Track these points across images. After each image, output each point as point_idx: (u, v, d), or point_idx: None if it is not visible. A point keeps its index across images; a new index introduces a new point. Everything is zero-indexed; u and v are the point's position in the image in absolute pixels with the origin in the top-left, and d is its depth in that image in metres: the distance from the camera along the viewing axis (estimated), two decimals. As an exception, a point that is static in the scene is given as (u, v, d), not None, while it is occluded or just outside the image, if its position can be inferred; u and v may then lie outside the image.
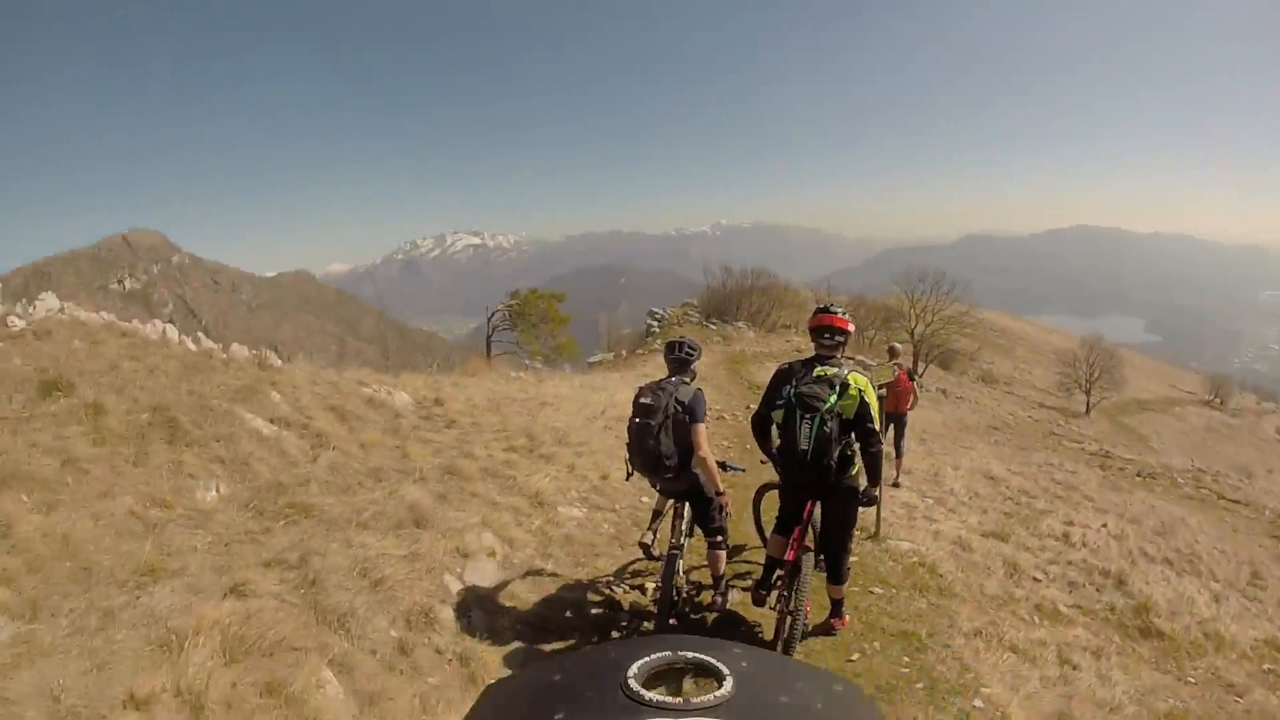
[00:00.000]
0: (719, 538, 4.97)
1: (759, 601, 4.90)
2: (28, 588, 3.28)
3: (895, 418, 10.07)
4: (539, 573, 5.64)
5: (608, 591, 5.65)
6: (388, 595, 4.29)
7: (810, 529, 4.63)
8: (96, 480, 4.38)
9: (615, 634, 5.08)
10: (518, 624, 4.81)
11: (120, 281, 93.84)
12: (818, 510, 4.64)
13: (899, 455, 10.37)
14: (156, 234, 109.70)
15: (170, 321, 7.62)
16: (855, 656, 4.97)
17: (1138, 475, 17.65)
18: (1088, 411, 45.20)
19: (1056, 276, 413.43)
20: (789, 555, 4.55)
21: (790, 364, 4.61)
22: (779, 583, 4.77)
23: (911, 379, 10.46)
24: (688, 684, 0.80)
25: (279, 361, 7.93)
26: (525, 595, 5.20)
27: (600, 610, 5.33)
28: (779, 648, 4.43)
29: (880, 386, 8.18)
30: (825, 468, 4.31)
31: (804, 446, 4.27)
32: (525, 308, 23.57)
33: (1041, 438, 25.53)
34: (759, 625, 5.15)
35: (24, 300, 6.82)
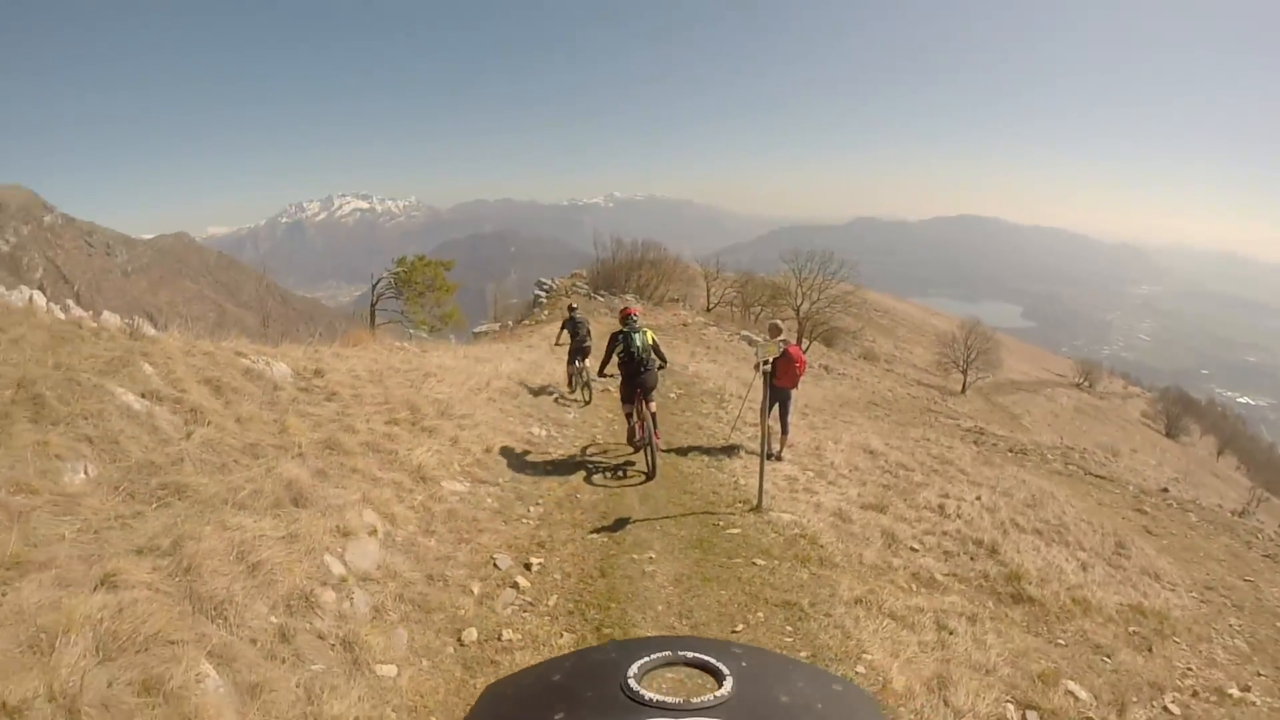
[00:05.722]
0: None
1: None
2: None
3: (781, 393, 9.99)
4: (422, 550, 5.62)
5: (493, 566, 5.74)
6: (266, 579, 4.18)
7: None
8: (-48, 467, 4.05)
9: (502, 609, 5.20)
10: (402, 603, 4.83)
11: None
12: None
13: (784, 431, 10.37)
14: (26, 191, 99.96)
15: (40, 288, 7.15)
16: (740, 627, 5.14)
17: (1010, 451, 18.00)
18: (964, 390, 45.85)
19: (940, 262, 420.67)
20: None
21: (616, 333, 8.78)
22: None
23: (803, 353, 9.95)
24: (688, 684, 0.81)
25: (152, 330, 7.56)
26: (408, 574, 5.17)
27: (484, 585, 5.44)
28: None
29: (767, 362, 8.34)
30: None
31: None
32: (412, 275, 22.63)
33: (919, 414, 25.80)
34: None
35: None
